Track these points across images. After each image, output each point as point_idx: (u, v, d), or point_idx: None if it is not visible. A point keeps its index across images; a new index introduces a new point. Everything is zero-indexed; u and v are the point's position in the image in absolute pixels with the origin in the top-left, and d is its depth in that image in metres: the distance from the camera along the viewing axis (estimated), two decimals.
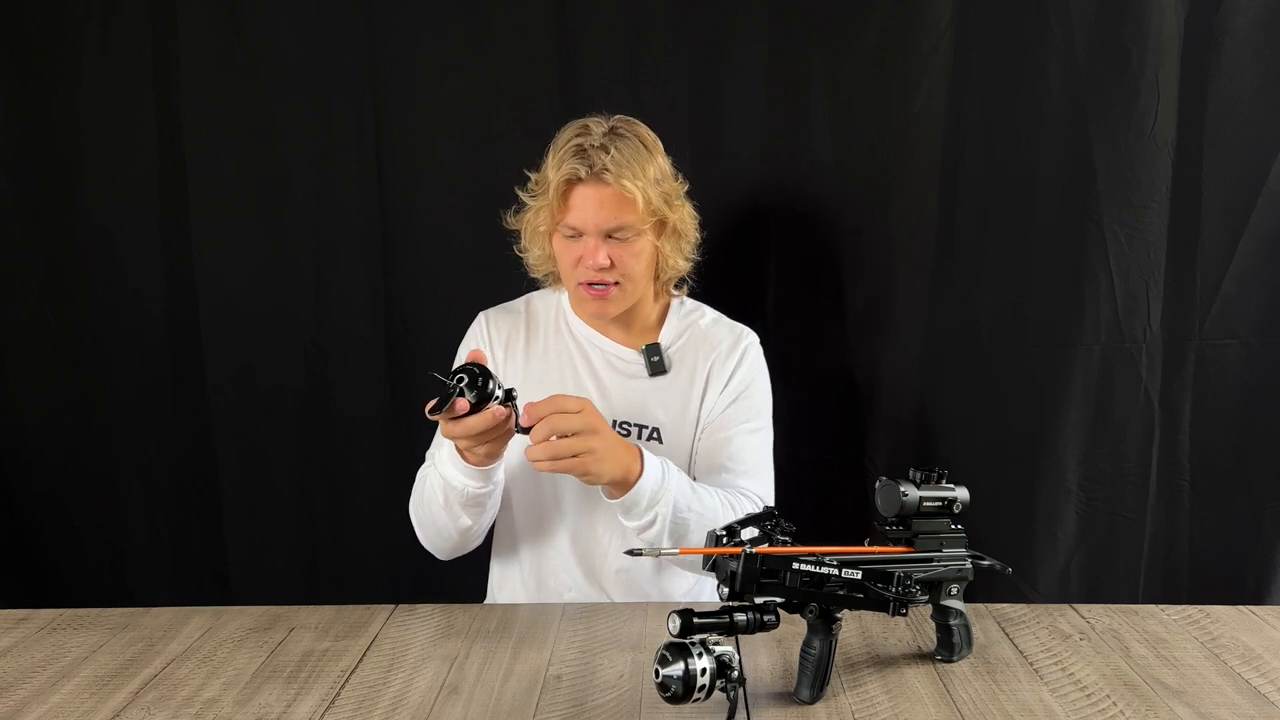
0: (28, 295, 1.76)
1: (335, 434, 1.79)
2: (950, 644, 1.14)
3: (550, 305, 1.51)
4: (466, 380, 1.14)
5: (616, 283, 1.38)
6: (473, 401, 1.13)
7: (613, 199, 1.34)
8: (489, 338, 1.49)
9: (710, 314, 1.52)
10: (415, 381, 1.66)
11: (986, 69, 1.66)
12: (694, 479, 1.37)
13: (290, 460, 1.80)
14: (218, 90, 1.70)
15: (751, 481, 1.40)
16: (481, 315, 1.52)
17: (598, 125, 1.37)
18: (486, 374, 1.14)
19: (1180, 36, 1.63)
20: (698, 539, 1.25)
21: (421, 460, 1.47)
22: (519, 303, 1.54)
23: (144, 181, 1.73)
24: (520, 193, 1.43)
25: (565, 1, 1.66)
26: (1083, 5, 1.63)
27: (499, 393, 1.15)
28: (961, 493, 1.13)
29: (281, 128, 1.71)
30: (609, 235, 1.36)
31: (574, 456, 1.18)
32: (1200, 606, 1.29)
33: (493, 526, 1.56)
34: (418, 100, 1.70)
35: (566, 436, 1.17)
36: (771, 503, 1.42)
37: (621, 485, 1.24)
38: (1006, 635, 1.21)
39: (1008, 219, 1.69)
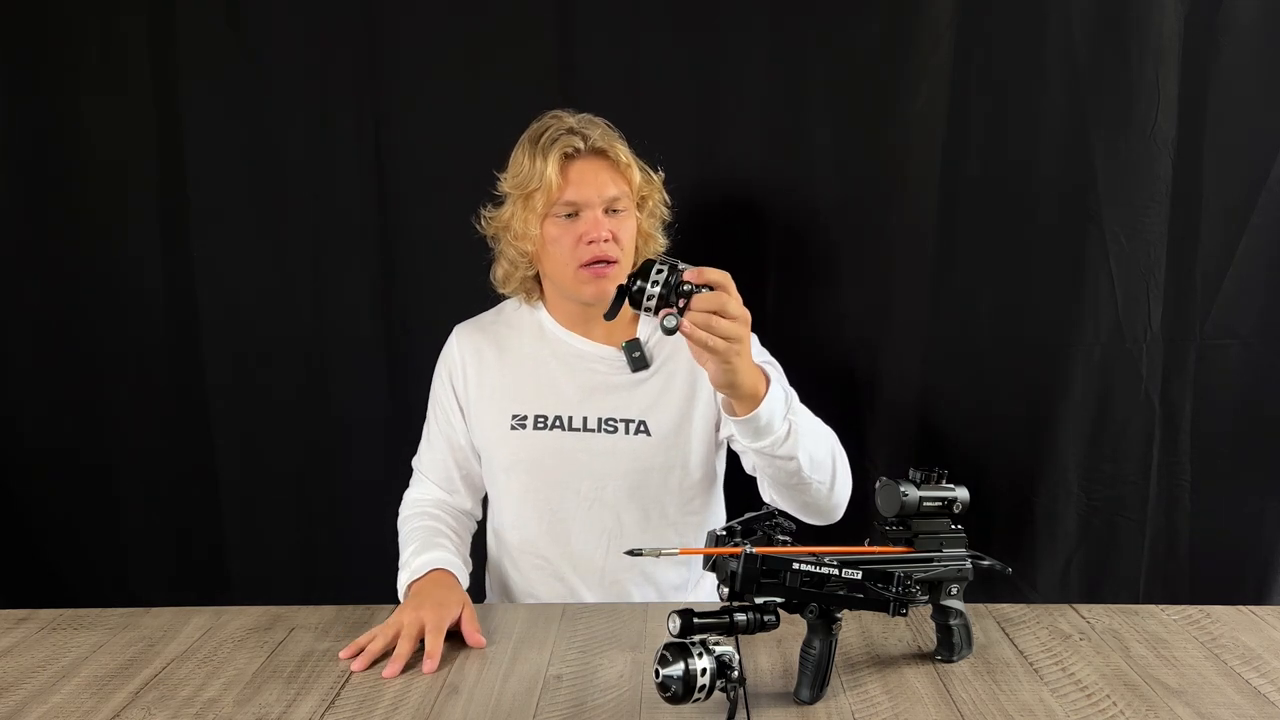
0: (28, 295, 1.76)
1: (335, 434, 1.78)
2: (950, 644, 1.14)
3: (524, 317, 1.51)
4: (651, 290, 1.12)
5: (616, 261, 1.39)
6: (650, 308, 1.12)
7: (609, 169, 1.39)
8: (455, 359, 1.50)
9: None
10: (415, 381, 1.66)
11: (986, 69, 1.66)
12: (729, 440, 1.42)
13: (290, 460, 1.79)
14: (218, 90, 1.70)
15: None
16: (454, 332, 1.53)
17: (568, 114, 1.42)
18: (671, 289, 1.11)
19: (1180, 36, 1.63)
20: (821, 454, 1.28)
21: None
22: (493, 312, 1.55)
23: (144, 181, 1.73)
24: (496, 190, 1.44)
25: (565, 1, 1.67)
26: (1083, 5, 1.63)
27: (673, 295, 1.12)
28: (961, 493, 1.13)
29: (281, 128, 1.70)
30: (607, 209, 1.38)
31: (728, 341, 1.12)
32: (1200, 606, 1.29)
33: (485, 534, 1.57)
34: (418, 100, 1.70)
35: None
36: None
37: (751, 400, 1.19)
38: (1006, 635, 1.21)
39: (1008, 219, 1.69)
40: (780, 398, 1.22)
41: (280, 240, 1.74)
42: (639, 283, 1.13)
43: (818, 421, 1.32)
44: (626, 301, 1.14)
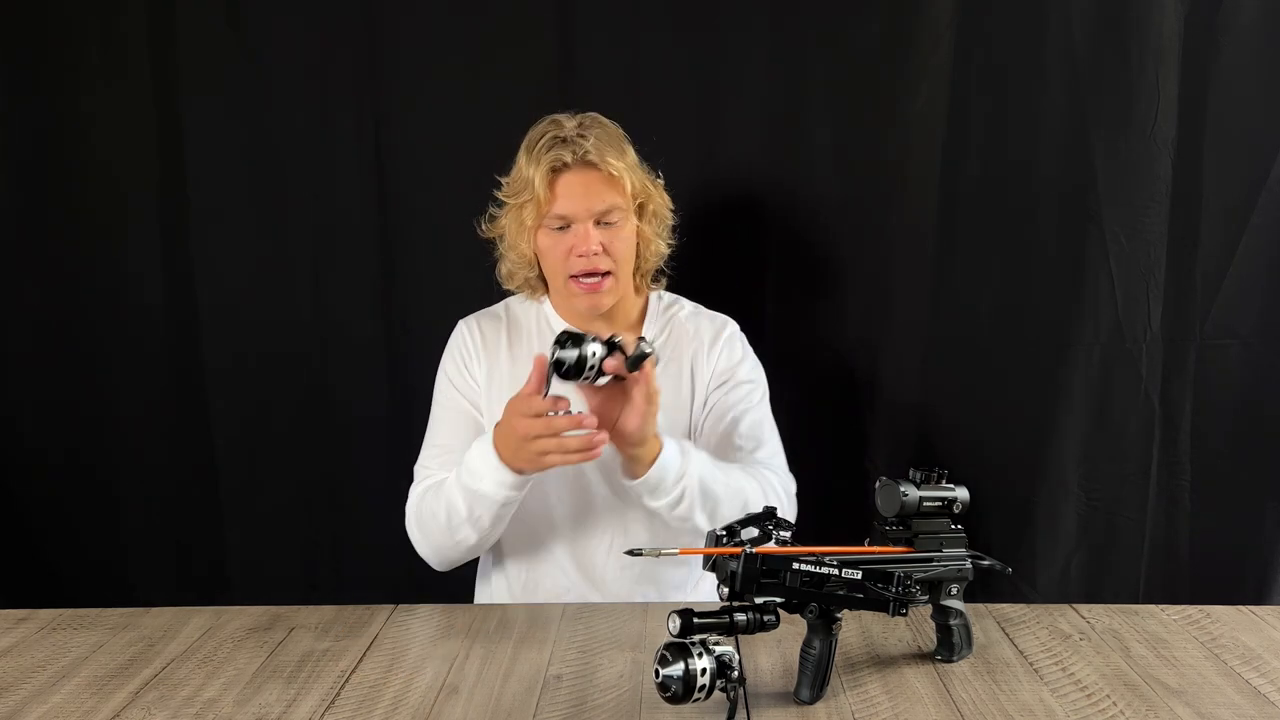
0: (28, 295, 1.76)
1: (335, 434, 1.78)
2: (950, 644, 1.14)
3: (529, 310, 1.51)
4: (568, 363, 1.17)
5: (608, 273, 1.39)
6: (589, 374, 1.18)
7: (600, 182, 1.37)
8: (468, 345, 1.49)
9: (688, 305, 1.53)
10: (415, 381, 1.66)
11: (986, 69, 1.66)
12: None
13: (290, 460, 1.80)
14: (218, 90, 1.70)
15: (764, 451, 1.44)
16: (461, 323, 1.52)
17: (568, 119, 1.40)
18: (580, 364, 1.18)
19: (1180, 36, 1.63)
20: (729, 511, 1.28)
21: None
22: (499, 307, 1.54)
23: (144, 181, 1.73)
24: (497, 195, 1.44)
25: (565, 1, 1.67)
26: (1083, 5, 1.63)
27: (596, 361, 1.18)
28: (961, 493, 1.13)
29: (281, 128, 1.71)
30: (598, 221, 1.38)
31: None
32: (1200, 606, 1.29)
33: None
34: (418, 100, 1.70)
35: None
36: (784, 463, 1.46)
37: (643, 462, 1.26)
38: (1006, 635, 1.21)
39: (1008, 219, 1.69)
40: (675, 463, 1.27)
41: (280, 240, 1.74)
42: (571, 352, 1.17)
43: (743, 482, 1.35)
44: (558, 377, 1.18)
